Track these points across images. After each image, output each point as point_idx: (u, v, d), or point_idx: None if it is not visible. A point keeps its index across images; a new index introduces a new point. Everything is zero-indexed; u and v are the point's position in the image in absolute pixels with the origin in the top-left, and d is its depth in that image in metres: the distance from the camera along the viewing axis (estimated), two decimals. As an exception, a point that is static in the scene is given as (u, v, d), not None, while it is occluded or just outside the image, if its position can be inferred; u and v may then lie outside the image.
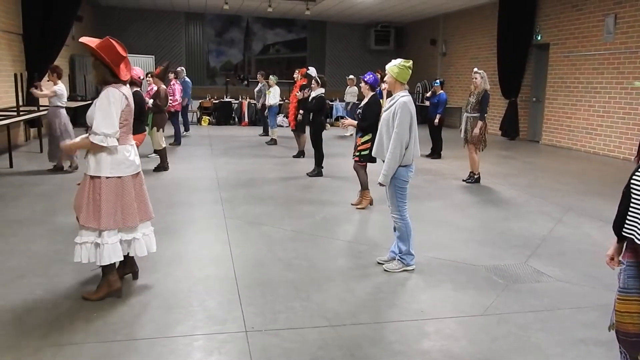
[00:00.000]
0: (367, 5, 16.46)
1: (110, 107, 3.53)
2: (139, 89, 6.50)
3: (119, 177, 3.63)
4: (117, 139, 3.58)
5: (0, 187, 7.09)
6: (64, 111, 8.19)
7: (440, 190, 7.75)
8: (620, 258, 2.58)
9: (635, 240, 2.40)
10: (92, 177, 3.60)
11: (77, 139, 3.79)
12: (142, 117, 6.36)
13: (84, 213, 3.60)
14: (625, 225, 2.47)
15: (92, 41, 3.59)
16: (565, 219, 6.25)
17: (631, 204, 2.44)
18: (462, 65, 17.09)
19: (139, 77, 6.56)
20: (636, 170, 2.45)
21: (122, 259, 3.75)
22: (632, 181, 2.44)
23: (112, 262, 3.67)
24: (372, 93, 6.32)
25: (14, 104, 10.03)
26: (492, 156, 10.81)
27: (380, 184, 4.42)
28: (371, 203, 6.56)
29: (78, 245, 3.66)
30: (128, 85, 3.84)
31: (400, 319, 3.58)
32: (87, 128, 3.67)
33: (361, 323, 3.49)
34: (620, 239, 2.55)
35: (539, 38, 13.51)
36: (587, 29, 11.85)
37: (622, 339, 2.55)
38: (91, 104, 3.71)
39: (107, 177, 3.59)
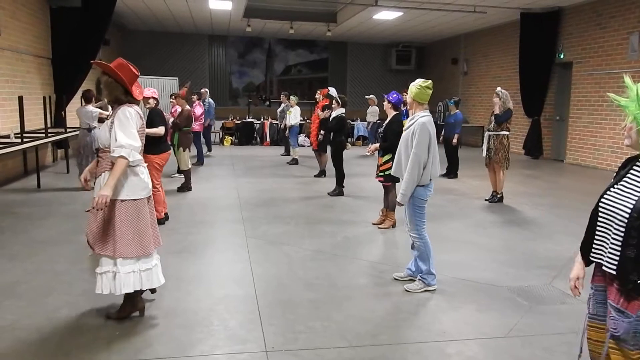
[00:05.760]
0: (388, 25, 16.58)
1: (130, 123, 3.47)
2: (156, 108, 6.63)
3: (134, 199, 3.51)
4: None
5: (28, 207, 7.25)
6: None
7: (463, 210, 7.69)
8: (590, 282, 2.45)
9: (604, 266, 2.27)
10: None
11: (108, 181, 3.38)
12: (166, 136, 6.46)
13: (100, 240, 3.49)
14: (593, 250, 2.36)
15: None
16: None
17: (597, 227, 2.32)
18: (484, 84, 17.04)
19: (155, 96, 6.67)
20: (605, 192, 2.32)
21: (138, 289, 3.59)
22: (600, 203, 2.32)
23: (127, 292, 3.54)
24: (394, 112, 6.33)
25: (43, 126, 10.32)
26: (516, 175, 10.69)
27: (399, 203, 4.43)
28: (394, 225, 6.53)
29: (99, 275, 3.53)
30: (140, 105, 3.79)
31: (421, 340, 3.53)
32: (97, 150, 3.64)
33: (381, 344, 3.46)
34: (588, 263, 2.42)
35: (562, 56, 13.42)
36: (611, 47, 11.74)
37: None
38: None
39: (123, 200, 3.47)
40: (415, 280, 4.48)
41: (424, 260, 4.41)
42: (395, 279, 4.65)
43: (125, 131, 3.45)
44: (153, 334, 3.52)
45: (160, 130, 6.23)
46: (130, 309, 3.73)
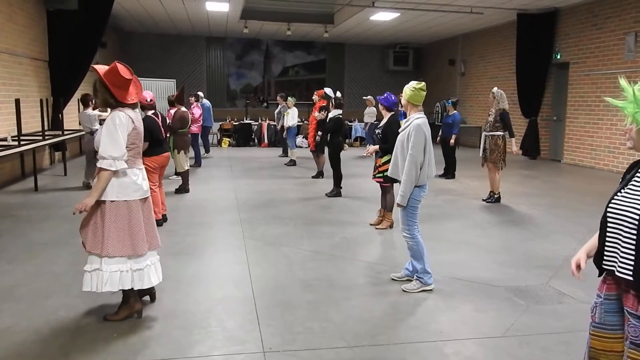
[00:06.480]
0: (385, 26, 16.61)
1: (117, 130, 3.47)
2: (153, 112, 6.48)
3: (125, 201, 3.55)
4: (126, 162, 3.53)
5: (26, 210, 7.25)
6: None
7: (460, 210, 7.70)
8: (597, 290, 2.40)
9: (616, 272, 2.22)
10: (97, 202, 3.52)
11: (92, 192, 3.51)
12: (158, 140, 6.32)
13: (90, 239, 3.55)
14: (605, 257, 2.30)
15: (102, 68, 3.60)
16: (588, 239, 6.13)
17: (607, 234, 2.28)
18: (481, 85, 17.07)
19: (147, 100, 6.45)
20: (612, 198, 2.29)
21: (127, 288, 3.62)
22: (608, 209, 2.28)
23: (109, 291, 3.57)
24: (390, 113, 6.34)
25: (40, 129, 10.31)
26: (513, 175, 10.72)
27: (399, 205, 4.45)
28: (391, 226, 6.55)
29: (87, 273, 3.59)
30: (138, 109, 3.79)
31: (419, 340, 3.55)
32: (95, 152, 3.66)
33: (379, 344, 3.47)
34: (601, 272, 2.37)
35: (559, 57, 13.46)
36: (607, 48, 11.78)
37: None
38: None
39: (112, 201, 3.51)
40: (412, 281, 4.50)
41: (418, 260, 4.44)
42: (393, 279, 4.67)
43: (110, 140, 3.46)
44: (151, 335, 3.52)
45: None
46: (128, 310, 3.74)
